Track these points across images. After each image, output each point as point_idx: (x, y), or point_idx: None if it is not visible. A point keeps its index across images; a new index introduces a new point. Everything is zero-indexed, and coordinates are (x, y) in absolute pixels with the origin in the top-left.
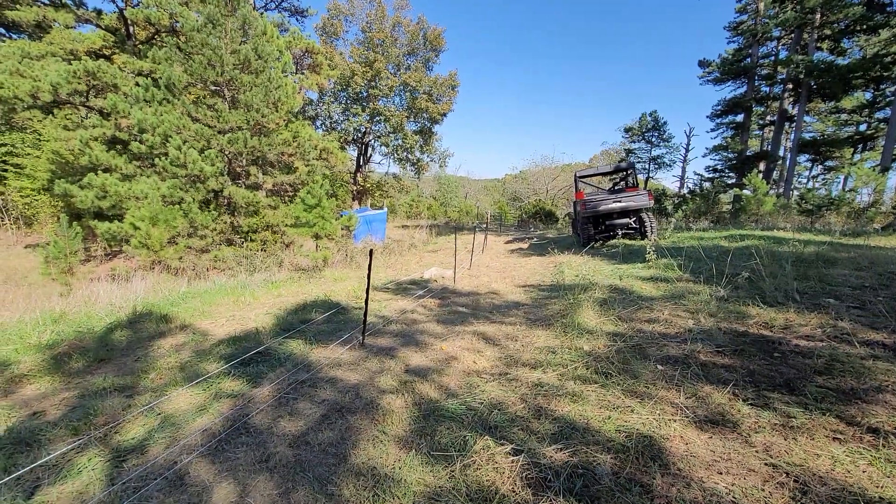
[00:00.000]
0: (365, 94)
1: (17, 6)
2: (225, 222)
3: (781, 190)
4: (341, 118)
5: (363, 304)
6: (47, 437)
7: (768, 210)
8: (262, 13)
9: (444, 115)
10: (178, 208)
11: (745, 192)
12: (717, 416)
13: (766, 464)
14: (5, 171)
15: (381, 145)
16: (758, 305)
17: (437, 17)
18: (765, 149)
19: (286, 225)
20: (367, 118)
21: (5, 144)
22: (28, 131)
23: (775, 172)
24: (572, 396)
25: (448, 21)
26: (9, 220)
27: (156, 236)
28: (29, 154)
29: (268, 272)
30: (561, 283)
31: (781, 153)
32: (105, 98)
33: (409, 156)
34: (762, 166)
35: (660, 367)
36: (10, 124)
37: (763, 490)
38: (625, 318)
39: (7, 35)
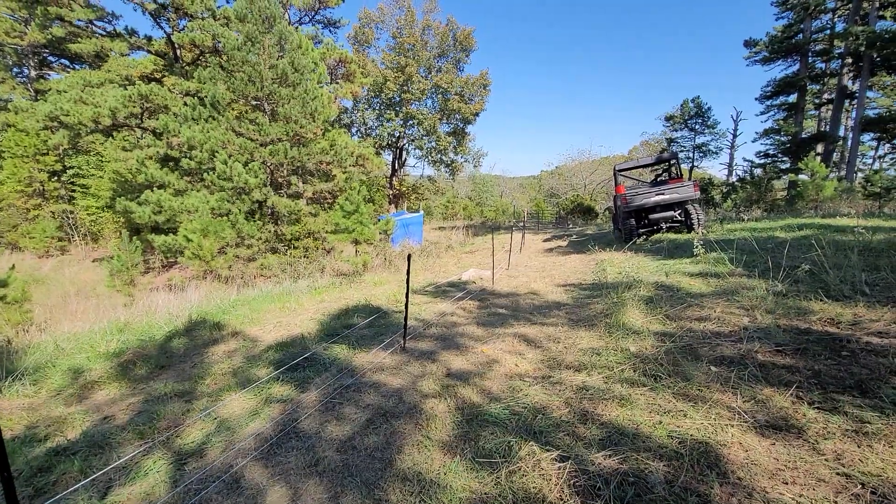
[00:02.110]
0: (398, 99)
1: (79, 39)
2: (269, 231)
3: (843, 173)
4: (375, 124)
5: (403, 308)
6: (117, 440)
7: (829, 195)
8: (296, 27)
9: (477, 114)
10: (226, 220)
11: (801, 177)
12: (779, 420)
13: (837, 473)
14: (74, 191)
15: (415, 148)
16: (821, 300)
17: (466, 17)
18: (822, 129)
19: (327, 231)
20: (401, 123)
21: (73, 167)
22: (91, 154)
23: (835, 154)
24: (620, 400)
25: (477, 20)
26: (78, 236)
27: (207, 247)
28: (93, 175)
29: (311, 278)
30: (603, 282)
31: (841, 133)
32: (157, 119)
33: (443, 157)
34: (820, 148)
35: (713, 368)
36: (76, 148)
37: (835, 502)
38: (673, 316)
39: (71, 66)
